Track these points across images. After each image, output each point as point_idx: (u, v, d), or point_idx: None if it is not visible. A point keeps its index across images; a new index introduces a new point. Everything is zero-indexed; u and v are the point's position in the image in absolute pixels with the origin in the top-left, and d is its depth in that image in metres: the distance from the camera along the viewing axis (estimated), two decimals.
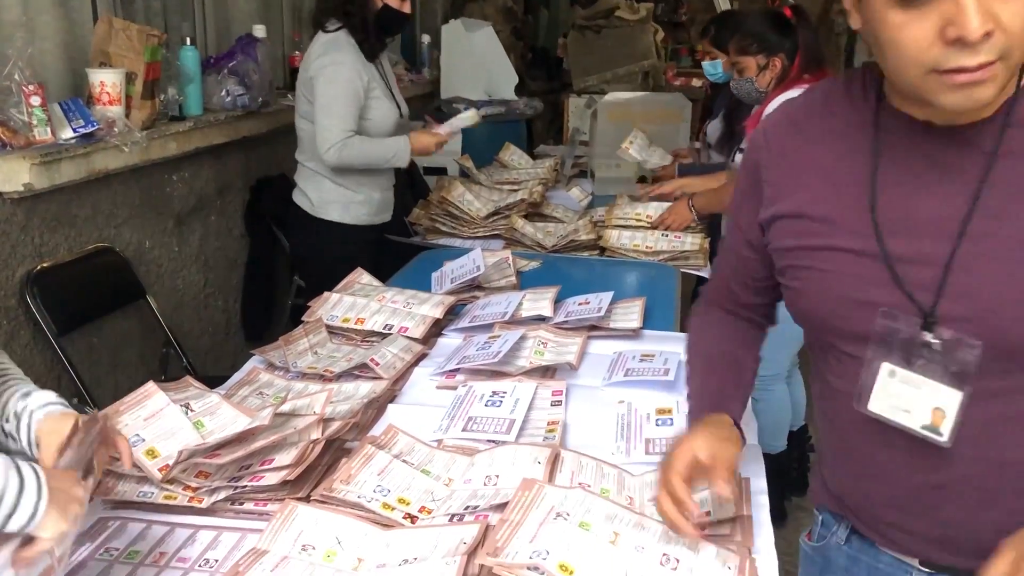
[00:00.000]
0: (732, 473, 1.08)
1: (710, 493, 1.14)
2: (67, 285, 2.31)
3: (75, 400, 2.24)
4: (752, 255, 1.13)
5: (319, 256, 2.79)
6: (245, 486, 1.27)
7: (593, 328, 1.92)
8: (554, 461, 1.34)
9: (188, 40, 2.78)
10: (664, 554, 1.09)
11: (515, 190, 3.21)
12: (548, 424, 1.50)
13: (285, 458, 1.29)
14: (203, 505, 1.25)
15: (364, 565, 1.12)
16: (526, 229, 2.80)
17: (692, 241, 2.73)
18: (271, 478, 1.27)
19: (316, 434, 1.35)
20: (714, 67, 3.34)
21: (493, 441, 1.43)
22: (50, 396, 1.12)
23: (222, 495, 1.26)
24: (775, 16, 2.57)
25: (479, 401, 1.55)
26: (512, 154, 3.80)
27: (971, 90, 0.82)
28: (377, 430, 1.48)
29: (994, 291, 0.89)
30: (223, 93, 2.92)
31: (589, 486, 1.27)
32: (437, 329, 1.96)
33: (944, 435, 0.92)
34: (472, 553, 1.09)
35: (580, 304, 2.00)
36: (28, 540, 0.93)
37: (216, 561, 1.16)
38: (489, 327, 1.91)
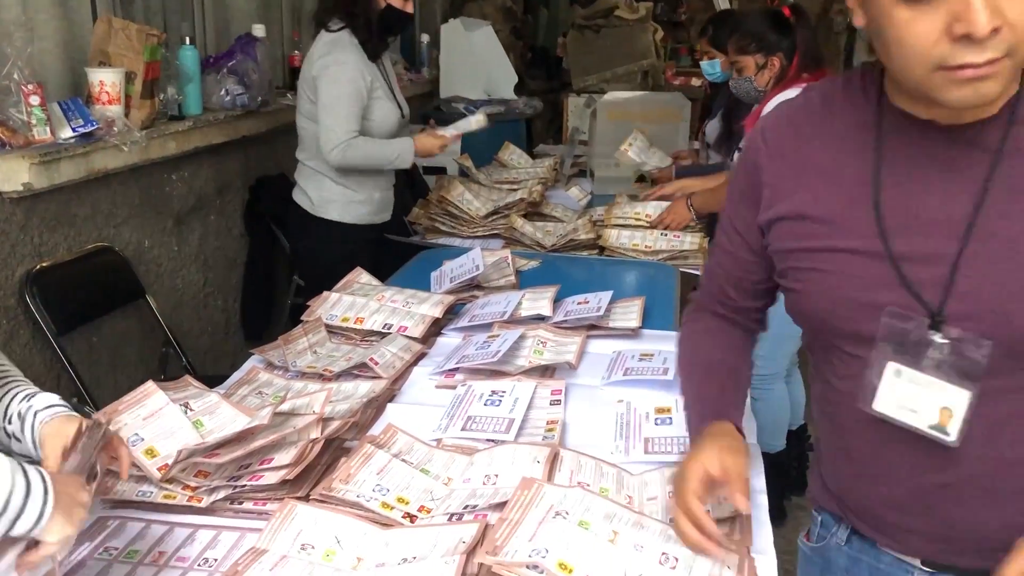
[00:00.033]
0: (747, 484, 1.07)
1: (716, 503, 1.13)
2: (66, 285, 2.31)
3: (75, 400, 2.24)
4: (752, 258, 1.12)
5: (318, 255, 2.79)
6: (244, 485, 1.27)
7: (592, 327, 1.92)
8: (553, 460, 1.34)
9: (187, 39, 2.78)
10: (663, 553, 1.09)
11: (514, 189, 3.21)
12: (547, 423, 1.50)
13: (284, 457, 1.30)
14: (202, 504, 1.25)
15: (363, 564, 1.12)
16: (525, 228, 2.80)
17: (691, 240, 2.74)
18: (270, 477, 1.27)
19: (315, 433, 1.35)
20: (712, 67, 3.35)
21: (492, 440, 1.43)
22: (54, 398, 1.12)
23: (221, 494, 1.26)
24: (774, 15, 2.57)
25: (478, 400, 1.55)
26: (511, 153, 3.80)
27: (977, 85, 0.82)
28: (376, 429, 1.48)
29: (1002, 289, 0.89)
30: (222, 92, 2.92)
31: (588, 485, 1.27)
32: (436, 328, 1.96)
33: (952, 435, 0.92)
34: (471, 552, 1.09)
35: (579, 303, 2.00)
36: (32, 544, 0.93)
37: (215, 560, 1.16)
38: (488, 326, 1.91)
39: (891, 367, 0.94)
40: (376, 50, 2.69)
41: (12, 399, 1.13)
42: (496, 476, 1.30)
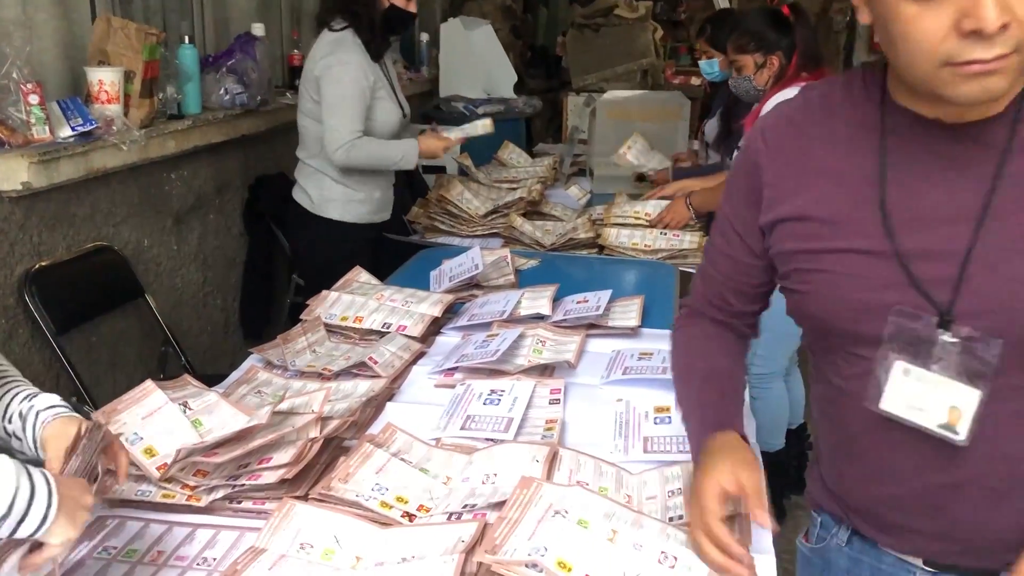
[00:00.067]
0: (765, 499, 1.04)
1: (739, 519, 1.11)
2: (66, 284, 2.31)
3: (74, 399, 2.24)
4: (752, 261, 1.10)
5: (318, 254, 2.79)
6: (243, 484, 1.27)
7: (592, 326, 1.92)
8: (552, 459, 1.34)
9: (187, 38, 2.78)
10: (662, 552, 1.09)
11: (514, 188, 3.21)
12: (546, 422, 1.50)
13: (283, 457, 1.30)
14: (201, 504, 1.25)
15: (362, 563, 1.12)
16: (525, 227, 2.80)
17: (690, 239, 2.73)
18: (269, 476, 1.27)
19: (314, 432, 1.35)
20: (710, 66, 3.35)
21: (491, 439, 1.43)
22: (55, 399, 1.13)
23: (220, 494, 1.26)
24: (773, 14, 2.57)
25: (477, 399, 1.55)
26: (511, 152, 3.80)
27: (985, 80, 0.82)
28: (375, 428, 1.48)
29: (1012, 287, 0.89)
30: (222, 92, 2.92)
31: (587, 484, 1.27)
32: (435, 327, 1.96)
33: (961, 434, 0.91)
34: (470, 551, 1.09)
35: (579, 302, 2.00)
36: (35, 545, 0.93)
37: (214, 560, 1.16)
38: (487, 325, 1.91)
39: (899, 366, 0.93)
40: (379, 50, 2.69)
41: (12, 399, 1.13)
42: (495, 475, 1.30)
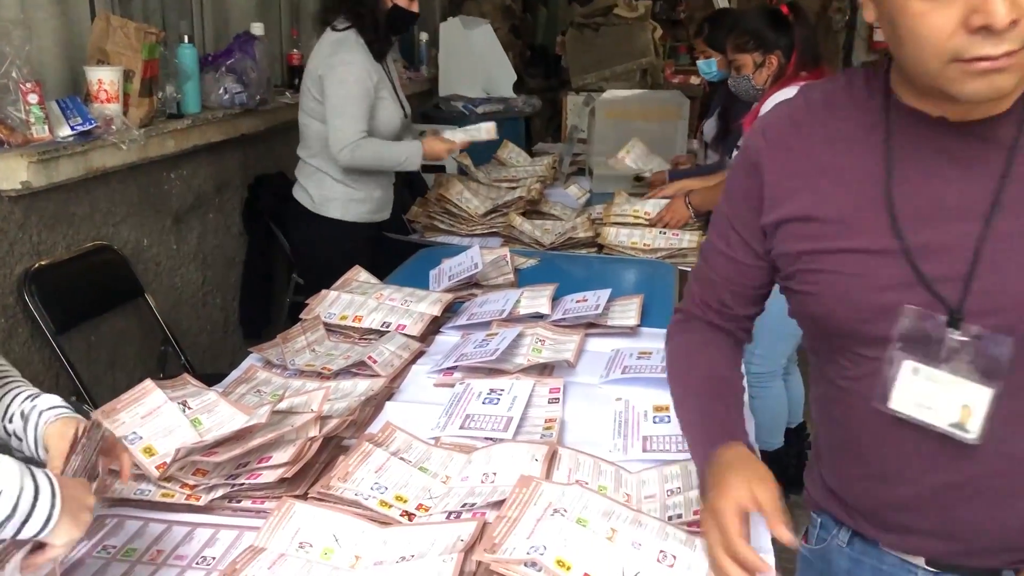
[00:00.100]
0: (783, 513, 1.00)
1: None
2: (65, 283, 2.31)
3: (73, 398, 2.24)
4: (753, 262, 1.08)
5: (318, 253, 2.79)
6: (242, 484, 1.27)
7: (591, 325, 1.92)
8: (551, 458, 1.34)
9: (186, 38, 2.78)
10: (661, 551, 1.09)
11: (513, 188, 3.21)
12: (545, 421, 1.50)
13: (282, 456, 1.30)
14: (200, 503, 1.25)
15: (361, 563, 1.12)
16: (524, 227, 2.79)
17: (690, 238, 2.73)
18: (268, 476, 1.27)
19: (313, 432, 1.35)
20: (708, 66, 3.35)
21: (490, 438, 1.43)
22: (57, 400, 1.13)
23: (219, 493, 1.26)
24: (772, 13, 2.57)
25: (476, 399, 1.55)
26: (510, 152, 3.80)
27: (993, 77, 0.82)
28: (375, 428, 1.48)
29: (1022, 285, 0.88)
30: (221, 91, 2.92)
31: (586, 483, 1.27)
32: (435, 327, 1.96)
33: (972, 432, 0.91)
34: (469, 550, 1.10)
35: (578, 302, 2.00)
36: (38, 546, 0.93)
37: (213, 559, 1.16)
38: (487, 325, 1.91)
39: (908, 365, 0.93)
40: (382, 50, 2.69)
41: (13, 399, 1.13)
42: (494, 474, 1.30)
